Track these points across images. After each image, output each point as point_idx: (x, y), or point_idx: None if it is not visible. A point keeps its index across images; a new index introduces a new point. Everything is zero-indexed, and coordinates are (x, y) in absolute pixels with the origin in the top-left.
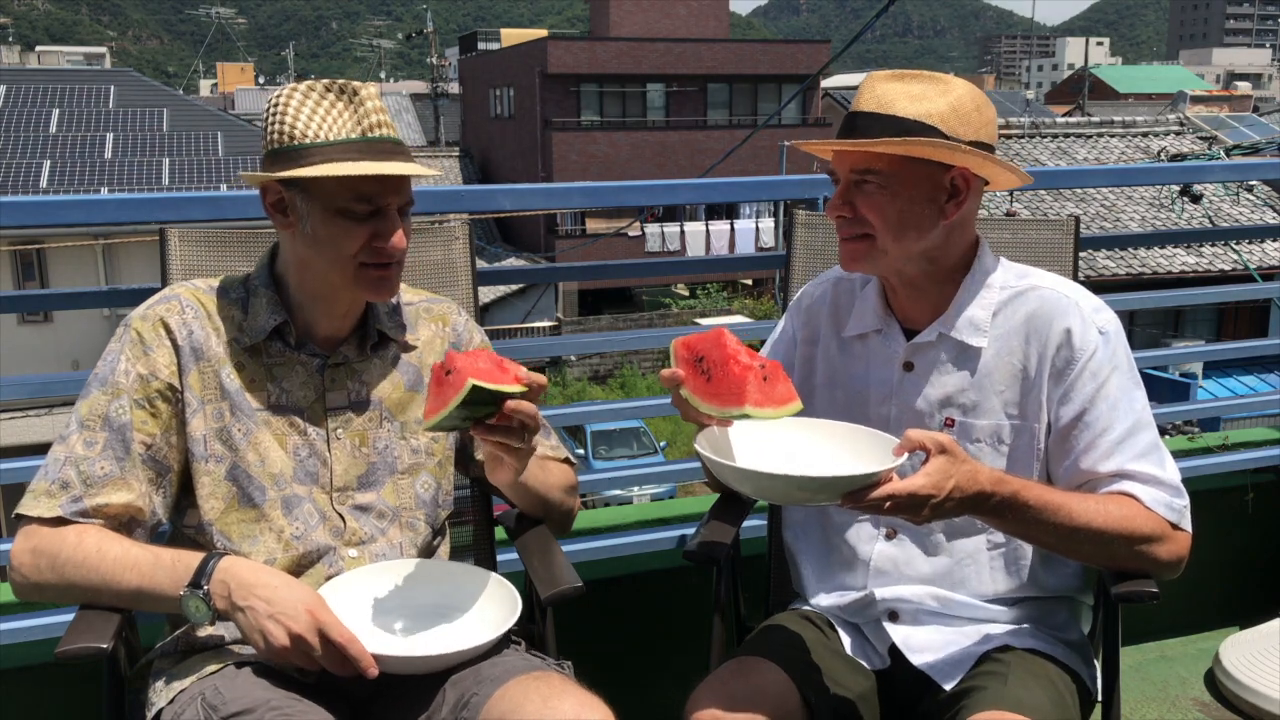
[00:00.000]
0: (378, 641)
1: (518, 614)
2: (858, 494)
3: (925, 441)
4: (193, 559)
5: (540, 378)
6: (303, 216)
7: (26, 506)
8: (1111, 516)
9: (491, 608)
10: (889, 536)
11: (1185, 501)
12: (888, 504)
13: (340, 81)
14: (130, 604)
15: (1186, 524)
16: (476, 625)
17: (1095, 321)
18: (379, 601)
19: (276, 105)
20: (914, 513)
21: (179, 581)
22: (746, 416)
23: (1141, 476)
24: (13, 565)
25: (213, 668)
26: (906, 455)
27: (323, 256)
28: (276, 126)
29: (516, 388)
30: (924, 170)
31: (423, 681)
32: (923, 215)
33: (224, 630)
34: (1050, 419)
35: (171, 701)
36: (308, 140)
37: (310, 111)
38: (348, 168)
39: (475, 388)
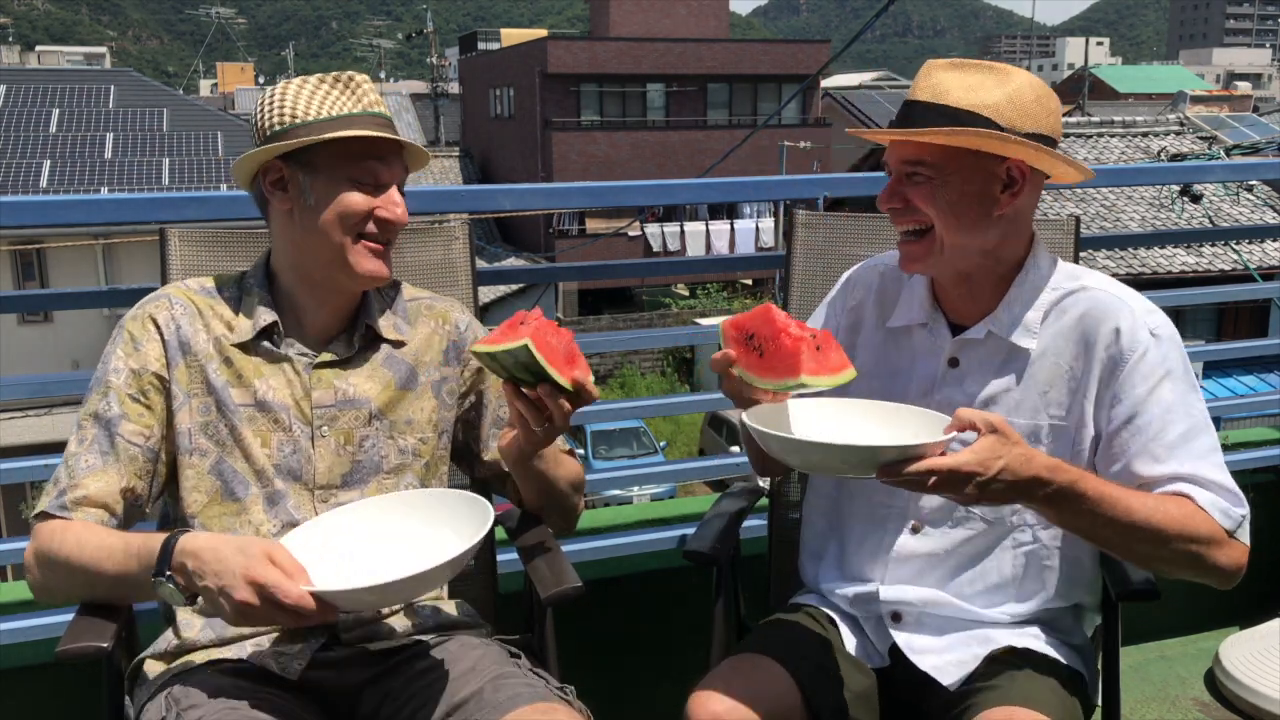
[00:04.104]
0: (334, 581)
1: (487, 528)
2: (897, 466)
3: (976, 420)
4: (155, 542)
5: (594, 390)
6: (304, 190)
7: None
8: (1170, 515)
9: (460, 528)
10: (915, 530)
11: (1244, 511)
12: (931, 479)
13: (334, 73)
14: (121, 592)
15: (1244, 534)
16: (440, 547)
17: (1147, 323)
18: (345, 541)
19: (273, 95)
20: (957, 490)
21: (148, 568)
22: (803, 386)
23: (1198, 479)
24: (26, 568)
25: (196, 666)
26: (955, 433)
27: (322, 229)
28: (275, 111)
29: (563, 380)
30: (977, 161)
31: (419, 698)
32: (976, 207)
33: (212, 631)
34: (1100, 424)
35: (151, 699)
36: (310, 117)
37: (309, 95)
38: (355, 130)
39: (528, 351)
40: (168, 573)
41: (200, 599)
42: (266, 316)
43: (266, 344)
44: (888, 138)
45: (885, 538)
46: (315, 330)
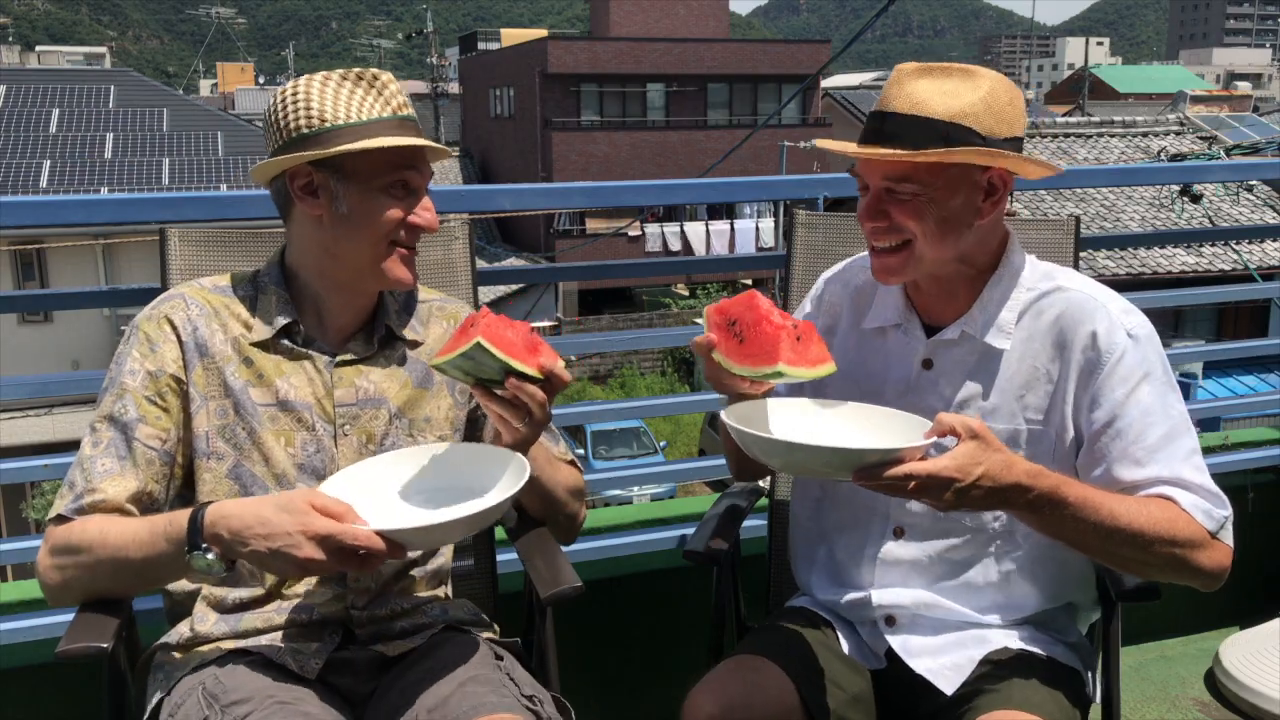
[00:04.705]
0: (388, 521)
1: (524, 479)
2: (876, 470)
3: (956, 425)
4: (181, 518)
5: (564, 374)
6: (336, 197)
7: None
8: (1153, 518)
9: (498, 478)
10: (897, 534)
11: (1227, 513)
12: (911, 484)
13: (356, 70)
14: (148, 576)
15: (1227, 536)
16: (481, 494)
17: (1124, 324)
18: (379, 488)
19: (296, 94)
20: (936, 496)
21: (180, 544)
22: (780, 375)
23: (1180, 482)
24: (38, 572)
25: (214, 659)
26: (935, 438)
27: (356, 237)
28: (301, 112)
29: (529, 369)
30: (962, 173)
31: (405, 697)
32: (961, 218)
33: (226, 625)
34: (1079, 426)
35: (170, 691)
36: (340, 121)
37: (334, 95)
38: (392, 140)
39: (481, 347)
40: (203, 545)
41: (238, 565)
42: (286, 315)
43: (286, 342)
44: (887, 157)
45: (869, 542)
46: (335, 329)
